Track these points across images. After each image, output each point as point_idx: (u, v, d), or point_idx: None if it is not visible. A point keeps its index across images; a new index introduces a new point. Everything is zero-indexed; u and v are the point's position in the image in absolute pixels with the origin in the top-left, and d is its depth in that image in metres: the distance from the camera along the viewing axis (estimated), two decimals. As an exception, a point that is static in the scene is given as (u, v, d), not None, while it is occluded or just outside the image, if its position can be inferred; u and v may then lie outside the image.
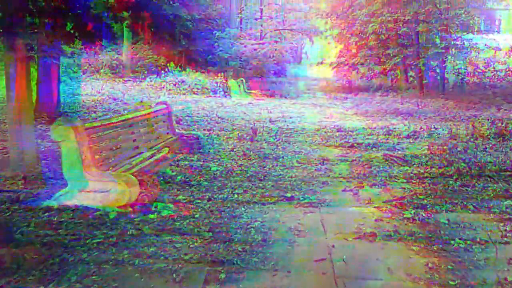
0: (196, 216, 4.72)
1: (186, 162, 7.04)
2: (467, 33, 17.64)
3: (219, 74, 18.48)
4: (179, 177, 6.16)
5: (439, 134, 10.76)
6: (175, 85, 17.48)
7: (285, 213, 5.07)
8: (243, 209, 5.08)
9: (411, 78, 23.23)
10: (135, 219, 4.47)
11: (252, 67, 21.82)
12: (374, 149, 8.98)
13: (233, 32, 20.87)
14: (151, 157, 6.08)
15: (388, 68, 23.60)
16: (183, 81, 17.59)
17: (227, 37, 20.65)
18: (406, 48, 18.71)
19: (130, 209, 4.60)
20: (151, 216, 4.56)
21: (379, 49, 20.07)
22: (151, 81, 18.66)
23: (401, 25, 17.57)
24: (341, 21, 22.22)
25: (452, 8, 15.97)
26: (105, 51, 20.64)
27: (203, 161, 7.25)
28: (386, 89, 20.51)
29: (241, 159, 7.67)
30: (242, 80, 19.49)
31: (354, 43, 22.37)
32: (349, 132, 10.95)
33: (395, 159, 7.91)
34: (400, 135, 10.58)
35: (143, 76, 19.72)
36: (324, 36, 25.59)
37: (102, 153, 5.08)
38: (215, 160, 7.40)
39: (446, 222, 4.99)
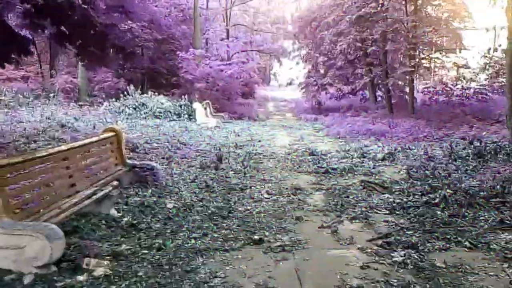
0: (140, 274, 3.74)
1: (137, 199, 6.04)
2: (435, 52, 17.47)
3: (183, 97, 17.55)
4: (125, 219, 5.17)
5: (415, 155, 10.17)
6: (135, 109, 16.41)
7: (252, 262, 4.16)
8: (200, 259, 4.15)
9: (379, 98, 23.01)
10: (57, 284, 3.46)
11: (218, 89, 21.01)
12: (349, 174, 8.24)
13: (198, 52, 20.06)
14: (91, 196, 5.08)
15: (357, 88, 23.33)
16: (143, 104, 16.55)
17: (192, 57, 19.82)
18: (374, 68, 18.38)
19: (53, 269, 3.59)
20: (80, 277, 3.56)
21: (348, 69, 19.68)
22: (109, 105, 17.56)
23: (369, 44, 17.21)
24: (309, 41, 21.82)
25: (419, 27, 15.72)
26: (59, 74, 19.48)
27: (158, 197, 6.27)
28: (355, 109, 20.06)
29: (202, 191, 6.73)
30: (208, 103, 18.62)
31: (322, 63, 21.99)
32: (322, 156, 10.21)
33: (373, 185, 7.17)
34: (375, 157, 9.92)
35: (101, 100, 18.59)
36: (292, 56, 25.18)
37: (22, 196, 4.06)
38: (172, 195, 6.44)
39: (443, 266, 4.21)
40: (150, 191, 6.47)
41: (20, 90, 20.21)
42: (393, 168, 8.99)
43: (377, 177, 8.01)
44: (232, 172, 8.27)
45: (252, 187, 7.09)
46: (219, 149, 10.92)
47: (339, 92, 24.52)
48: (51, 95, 18.97)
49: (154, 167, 6.96)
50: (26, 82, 24.66)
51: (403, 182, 7.49)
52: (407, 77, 17.61)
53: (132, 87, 18.01)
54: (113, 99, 17.99)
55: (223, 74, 19.82)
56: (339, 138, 13.99)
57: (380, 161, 9.58)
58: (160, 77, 24.85)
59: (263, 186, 7.23)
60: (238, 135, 14.18)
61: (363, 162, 9.44)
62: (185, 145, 11.27)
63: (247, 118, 20.53)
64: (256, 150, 11.14)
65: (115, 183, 6.40)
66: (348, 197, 6.53)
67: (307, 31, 22.19)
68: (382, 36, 16.85)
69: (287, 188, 7.01)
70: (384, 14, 16.33)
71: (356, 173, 8.36)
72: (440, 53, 17.70)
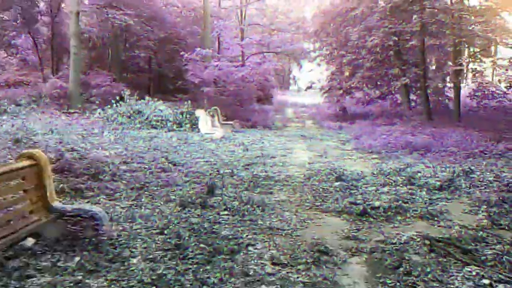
0: None
1: (47, 279, 3.54)
2: (481, 49, 14.60)
3: (185, 103, 15.15)
4: None
5: (483, 181, 7.42)
6: (129, 117, 14.05)
7: None
8: None
9: (413, 103, 20.14)
10: None
11: (229, 93, 18.55)
12: (399, 216, 5.57)
13: (206, 52, 17.62)
14: None
15: (390, 91, 20.52)
16: (139, 112, 14.17)
17: (199, 58, 17.42)
18: (410, 68, 15.59)
19: None
20: None
21: (378, 69, 16.93)
22: (105, 112, 15.25)
23: (406, 38, 14.41)
24: (332, 40, 19.17)
25: (467, 18, 12.93)
26: (49, 79, 17.39)
27: (88, 271, 3.75)
28: (388, 116, 17.21)
29: (168, 257, 4.17)
30: (216, 109, 16.15)
31: (347, 63, 19.28)
32: (354, 182, 7.55)
33: (445, 247, 4.48)
34: (427, 185, 7.21)
35: (95, 107, 16.33)
36: (313, 57, 22.49)
37: None
38: (113, 266, 3.90)
39: None
40: (78, 258, 3.95)
41: (15, 95, 18.23)
42: (459, 203, 6.28)
43: (442, 223, 5.32)
44: (226, 212, 5.69)
45: (250, 246, 4.49)
46: (218, 170, 8.37)
47: (367, 97, 21.72)
48: (41, 101, 16.84)
49: (95, 214, 4.45)
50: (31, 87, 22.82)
51: (487, 235, 4.79)
52: (456, 78, 14.76)
53: (127, 91, 15.68)
54: (109, 106, 15.70)
55: (234, 76, 17.32)
56: (371, 153, 11.26)
57: (436, 191, 6.86)
58: (167, 81, 22.60)
59: (267, 242, 4.63)
60: (247, 149, 11.61)
61: (413, 193, 6.74)
62: (175, 165, 8.75)
63: (262, 127, 17.95)
64: (266, 172, 8.54)
65: (29, 241, 3.98)
66: (409, 272, 3.86)
67: (330, 28, 19.53)
68: (421, 30, 14.05)
69: (305, 251, 4.39)
70: (424, 3, 13.54)
71: (408, 214, 5.67)
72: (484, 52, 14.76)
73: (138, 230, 4.91)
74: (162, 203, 6.09)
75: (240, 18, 25.78)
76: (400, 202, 6.18)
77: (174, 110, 14.47)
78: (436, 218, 5.50)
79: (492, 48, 14.57)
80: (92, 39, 24.46)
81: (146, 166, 8.32)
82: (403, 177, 7.83)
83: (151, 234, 4.81)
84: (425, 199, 6.45)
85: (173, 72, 21.42)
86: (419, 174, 8.15)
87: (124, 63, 24.29)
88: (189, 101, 15.59)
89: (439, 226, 5.24)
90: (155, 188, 6.83)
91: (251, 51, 26.51)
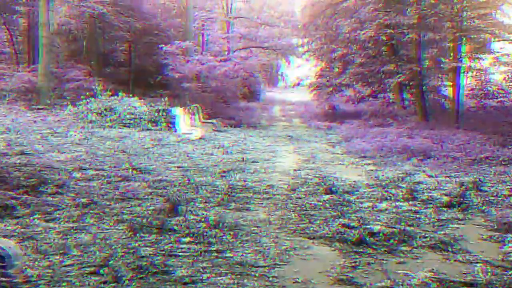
0: None
1: None
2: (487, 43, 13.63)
3: (162, 100, 13.92)
4: None
5: (498, 195, 6.39)
6: (100, 114, 12.76)
7: None
8: None
9: (406, 102, 19.16)
10: None
11: (212, 90, 17.34)
12: (405, 247, 4.46)
13: (186, 45, 16.37)
14: None
15: (378, 90, 19.50)
16: (111, 109, 12.89)
17: (179, 52, 16.16)
18: (405, 64, 14.54)
19: None
20: None
21: (371, 65, 15.85)
22: (77, 109, 13.92)
23: (401, 32, 13.34)
24: (322, 33, 18.06)
25: (469, 10, 11.92)
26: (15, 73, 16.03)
27: None
28: (381, 116, 16.16)
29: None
30: (196, 107, 14.96)
31: (338, 59, 18.19)
32: (346, 196, 6.44)
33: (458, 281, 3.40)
34: (433, 200, 6.15)
35: (65, 103, 14.99)
36: (301, 52, 21.34)
37: None
38: None
39: None
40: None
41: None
42: (475, 226, 5.21)
43: (460, 256, 4.23)
44: (188, 239, 4.52)
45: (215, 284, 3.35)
46: (189, 180, 7.19)
47: (358, 95, 20.66)
48: (8, 96, 15.49)
49: (1, 251, 3.26)
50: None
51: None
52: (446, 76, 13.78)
53: (100, 86, 14.38)
54: (81, 102, 14.37)
55: (217, 72, 16.13)
56: (364, 157, 10.18)
57: (445, 209, 5.79)
58: (148, 75, 21.27)
59: (240, 282, 3.49)
60: (227, 152, 10.47)
61: (417, 212, 5.66)
62: (141, 172, 7.55)
63: (246, 126, 16.78)
64: (245, 181, 7.39)
65: None
66: None
67: (320, 21, 18.39)
68: (418, 23, 12.99)
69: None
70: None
71: (415, 242, 4.57)
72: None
73: (68, 268, 3.73)
74: (111, 224, 4.90)
75: (226, 10, 24.58)
76: (404, 224, 5.10)
77: (150, 107, 13.22)
78: (450, 249, 4.41)
79: (494, 44, 13.67)
80: (71, 31, 23.05)
81: (105, 174, 7.11)
82: (403, 190, 6.76)
83: (83, 274, 3.63)
84: (433, 219, 5.36)
85: (154, 67, 20.10)
86: (421, 185, 7.10)
87: (104, 57, 22.90)
88: (166, 98, 14.35)
89: (455, 260, 4.15)
90: (108, 204, 5.63)
91: (237, 45, 25.35)
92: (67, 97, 14.82)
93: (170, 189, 6.46)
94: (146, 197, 6.07)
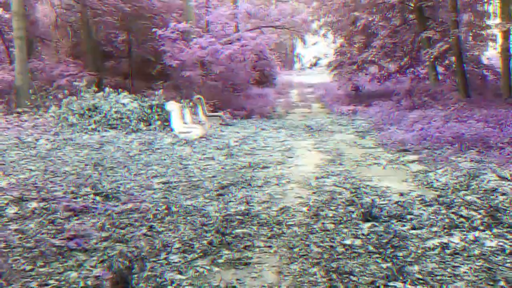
0: None
1: None
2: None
3: (157, 93, 11.89)
4: None
5: None
6: (82, 115, 10.84)
7: None
8: None
9: (440, 77, 16.64)
10: None
11: (218, 77, 15.26)
12: None
13: (185, 28, 14.23)
14: None
15: (407, 64, 17.06)
16: (96, 108, 10.95)
17: (175, 35, 14.06)
18: (443, 31, 12.07)
19: None
20: None
21: (403, 35, 13.36)
22: (60, 110, 12.04)
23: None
24: (340, 2, 15.59)
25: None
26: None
27: None
28: (418, 95, 13.69)
29: None
30: (199, 99, 12.89)
31: (359, 32, 15.78)
32: (394, 225, 4.34)
33: None
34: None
35: (47, 104, 13.15)
36: (317, 26, 18.88)
37: None
38: None
39: None
40: None
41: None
42: None
43: None
44: None
45: None
46: (169, 208, 5.17)
47: (383, 72, 18.21)
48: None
49: None
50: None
51: None
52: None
53: (83, 82, 12.45)
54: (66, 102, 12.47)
55: (220, 56, 14.01)
56: (405, 151, 8.00)
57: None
58: (149, 66, 19.32)
59: None
60: (231, 155, 8.41)
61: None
62: (107, 197, 5.57)
63: (259, 116, 14.68)
64: (248, 202, 5.34)
65: None
66: None
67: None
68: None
69: None
70: None
71: None
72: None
73: None
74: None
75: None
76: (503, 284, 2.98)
77: (141, 103, 11.23)
78: None
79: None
80: (70, 23, 21.29)
81: (54, 206, 5.15)
82: (476, 206, 4.60)
83: None
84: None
85: (153, 55, 18.13)
86: (499, 196, 4.92)
87: (103, 49, 21.03)
88: (161, 90, 12.30)
89: None
90: (22, 267, 3.65)
91: (246, 27, 23.08)
92: (50, 97, 12.91)
93: (136, 232, 4.45)
94: (97, 246, 4.09)
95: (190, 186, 6.24)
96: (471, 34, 16.83)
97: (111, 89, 11.95)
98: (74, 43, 22.46)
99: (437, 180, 5.93)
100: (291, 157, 8.14)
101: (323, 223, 4.51)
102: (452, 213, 4.53)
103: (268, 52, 25.83)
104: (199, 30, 14.90)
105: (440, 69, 16.36)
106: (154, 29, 14.01)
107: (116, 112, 10.71)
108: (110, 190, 5.81)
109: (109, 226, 4.55)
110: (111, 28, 19.53)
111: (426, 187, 5.73)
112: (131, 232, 4.40)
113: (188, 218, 4.81)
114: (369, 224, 4.39)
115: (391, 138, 8.96)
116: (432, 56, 11.91)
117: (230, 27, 20.59)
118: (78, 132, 10.25)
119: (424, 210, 4.72)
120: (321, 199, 5.38)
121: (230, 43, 15.23)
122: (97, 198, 5.49)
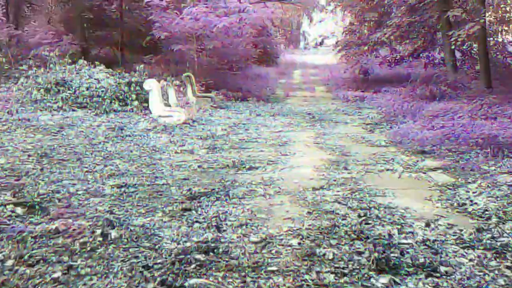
0: None
1: None
2: None
3: (138, 68, 10.39)
4: None
5: None
6: (48, 90, 9.37)
7: None
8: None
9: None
10: None
11: (212, 54, 13.72)
12: None
13: (175, -5, 12.65)
14: None
15: (421, 48, 15.52)
16: (65, 83, 9.48)
17: (166, 4, 12.45)
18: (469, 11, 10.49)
19: None
20: None
21: (423, 12, 11.75)
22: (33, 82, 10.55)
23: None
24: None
25: None
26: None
27: None
28: (437, 82, 12.14)
29: None
30: (189, 77, 11.46)
31: (373, 8, 14.14)
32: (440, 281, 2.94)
33: None
34: None
35: (17, 75, 11.69)
36: (327, 1, 17.12)
37: None
38: None
39: None
40: None
41: None
42: None
43: None
44: None
45: None
46: (106, 235, 3.78)
47: (395, 54, 16.64)
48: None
49: None
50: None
51: None
52: None
53: (55, 52, 10.92)
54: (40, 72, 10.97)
55: (215, 28, 12.44)
56: (424, 154, 6.56)
57: None
58: (140, 38, 17.73)
59: None
60: (215, 148, 7.00)
61: None
62: (32, 209, 4.17)
63: (255, 99, 13.20)
64: (221, 223, 3.95)
65: None
66: None
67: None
68: None
69: None
70: None
71: None
72: None
73: None
74: None
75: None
76: None
77: (118, 79, 9.75)
78: None
79: None
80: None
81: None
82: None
83: None
84: None
85: (144, 26, 16.54)
86: None
87: (91, 16, 19.37)
88: (142, 65, 10.82)
89: None
90: None
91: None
92: (21, 68, 11.40)
93: (46, 275, 3.07)
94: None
95: (151, 192, 4.86)
96: (495, 18, 15.23)
97: (87, 61, 10.43)
98: (66, 10, 20.85)
99: (471, 201, 4.52)
100: (286, 155, 6.72)
101: (318, 273, 3.11)
102: (508, 267, 3.13)
103: (272, 29, 24.12)
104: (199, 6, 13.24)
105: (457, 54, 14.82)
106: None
107: (87, 88, 9.23)
108: (41, 197, 4.43)
109: (10, 263, 3.16)
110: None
111: (458, 211, 4.33)
112: (39, 275, 3.02)
113: (131, 250, 3.43)
114: (385, 279, 3.00)
115: (406, 134, 7.51)
116: (459, 40, 10.33)
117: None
118: (41, 110, 8.82)
119: (464, 257, 3.32)
120: (319, 224, 3.98)
121: (227, 15, 13.61)
122: (18, 210, 4.10)
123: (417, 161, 6.24)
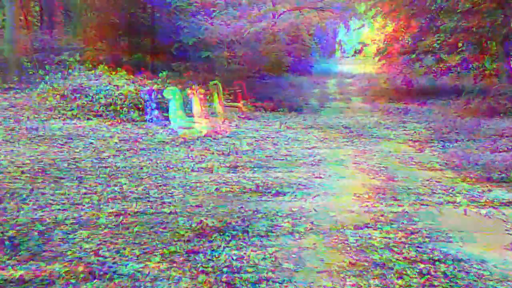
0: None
1: None
2: None
3: (160, 75, 9.65)
4: None
5: None
6: (64, 97, 8.72)
7: None
8: None
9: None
10: None
11: (242, 61, 12.87)
12: None
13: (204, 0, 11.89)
14: None
15: (471, 57, 14.14)
16: (82, 90, 8.81)
17: (195, 8, 11.73)
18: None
19: None
20: None
21: (480, 17, 10.49)
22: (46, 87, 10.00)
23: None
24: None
25: None
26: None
27: None
28: (488, 95, 10.83)
29: None
30: (216, 85, 10.62)
31: (418, 14, 12.92)
32: None
33: None
34: None
35: (38, 80, 11.19)
36: (369, 5, 15.92)
37: None
38: None
39: None
40: None
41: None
42: None
43: None
44: None
45: None
46: None
47: (441, 64, 15.25)
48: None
49: None
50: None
51: None
52: None
53: (75, 57, 10.35)
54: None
55: (246, 35, 11.58)
56: (492, 182, 5.36)
57: None
58: (168, 45, 17.13)
59: None
60: (235, 167, 6.05)
61: None
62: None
63: (287, 109, 12.23)
64: (232, 278, 2.96)
65: None
66: None
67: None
68: None
69: None
70: None
71: None
72: None
73: None
74: None
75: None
76: None
77: (139, 88, 9.02)
78: None
79: None
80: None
81: None
82: None
83: None
84: None
85: (173, 32, 15.92)
86: None
87: (123, 21, 19.00)
88: (165, 73, 10.07)
89: None
90: None
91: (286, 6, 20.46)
92: (40, 72, 10.89)
93: None
94: None
95: (154, 224, 3.96)
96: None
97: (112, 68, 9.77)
98: (99, 17, 20.63)
99: None
100: (320, 177, 5.68)
101: None
102: None
103: (307, 37, 23.13)
104: (223, 2, 12.46)
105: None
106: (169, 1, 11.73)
107: (105, 96, 8.51)
108: (17, 230, 3.59)
109: None
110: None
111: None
112: None
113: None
114: None
115: (466, 158, 6.31)
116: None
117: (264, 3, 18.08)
118: (54, 118, 8.16)
119: None
120: (365, 285, 2.93)
121: (260, 21, 12.75)
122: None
123: (483, 191, 5.07)
